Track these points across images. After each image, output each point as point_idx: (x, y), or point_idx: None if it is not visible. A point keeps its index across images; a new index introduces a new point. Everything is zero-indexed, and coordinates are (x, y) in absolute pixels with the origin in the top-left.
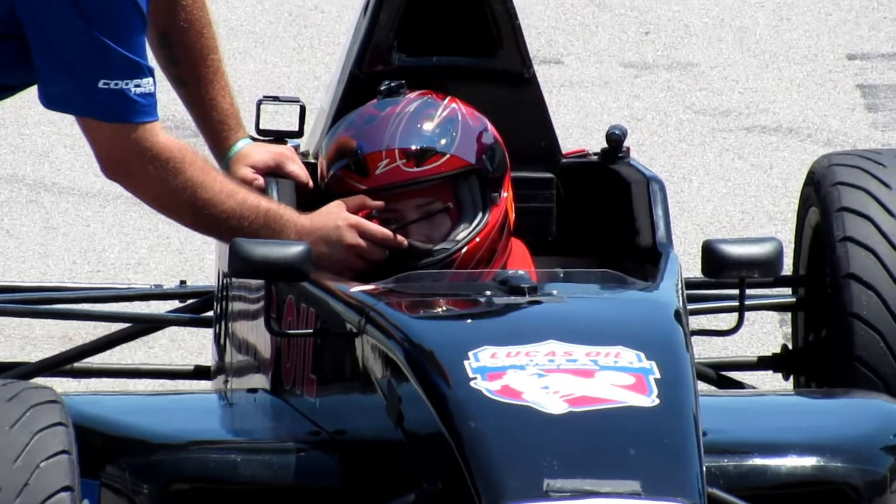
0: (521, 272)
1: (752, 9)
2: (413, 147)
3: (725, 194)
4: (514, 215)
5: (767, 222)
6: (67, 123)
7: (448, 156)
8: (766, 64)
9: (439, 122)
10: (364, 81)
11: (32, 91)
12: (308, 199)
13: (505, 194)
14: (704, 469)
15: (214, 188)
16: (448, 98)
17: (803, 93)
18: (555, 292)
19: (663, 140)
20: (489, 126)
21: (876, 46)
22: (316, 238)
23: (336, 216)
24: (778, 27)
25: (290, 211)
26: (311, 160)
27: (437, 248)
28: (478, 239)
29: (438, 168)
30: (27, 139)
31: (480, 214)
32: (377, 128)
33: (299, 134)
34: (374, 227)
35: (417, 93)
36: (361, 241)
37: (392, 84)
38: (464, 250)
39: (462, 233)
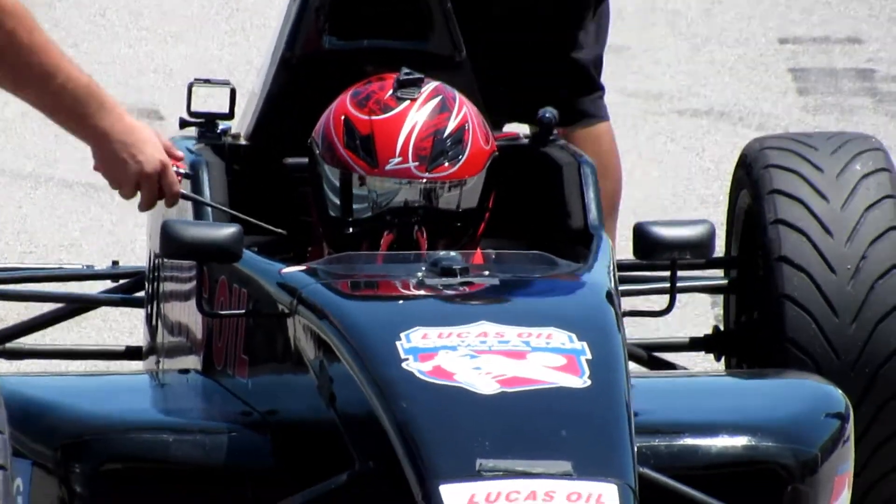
0: (452, 253)
1: None
2: (426, 153)
3: (657, 177)
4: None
5: (699, 205)
6: None
7: (458, 166)
8: (697, 47)
9: (453, 131)
10: (296, 65)
11: None
12: (239, 179)
13: (489, 207)
14: (636, 449)
15: (43, 44)
16: (458, 98)
17: (735, 76)
18: (486, 273)
19: None
20: (490, 135)
21: (808, 30)
22: (122, 142)
23: (154, 144)
24: (710, 10)
25: (111, 99)
26: (243, 142)
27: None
28: (470, 247)
29: (447, 176)
30: None
31: (474, 223)
32: (393, 122)
33: (230, 116)
34: (173, 179)
35: (432, 87)
36: (154, 180)
37: (412, 75)
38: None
39: (456, 239)
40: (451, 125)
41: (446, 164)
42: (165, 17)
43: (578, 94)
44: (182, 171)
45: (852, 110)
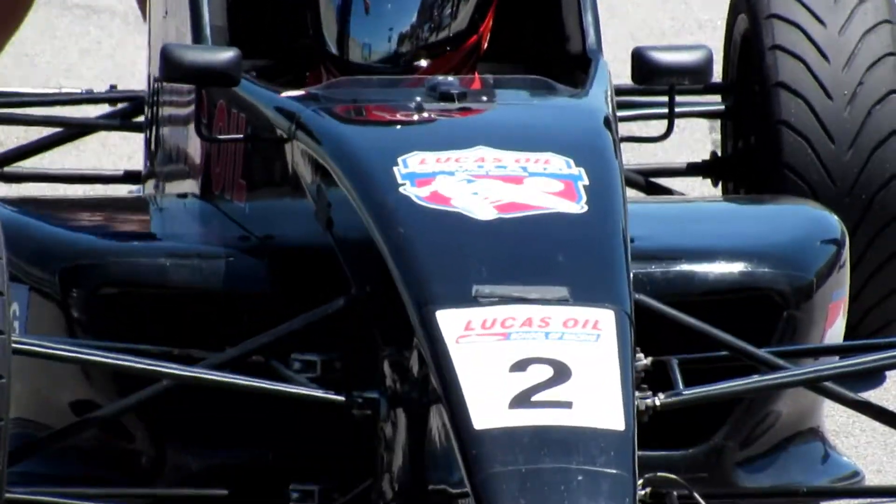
0: (450, 78)
1: None
2: None
3: (655, 1)
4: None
5: (697, 30)
6: None
7: None
8: None
9: None
10: None
11: None
12: (239, 0)
13: (488, 22)
14: (632, 275)
15: None
16: None
17: None
18: (484, 98)
19: None
20: None
21: None
22: None
23: None
24: None
25: None
26: None
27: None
28: (468, 72)
29: None
30: None
31: (464, 44)
32: None
33: None
34: None
35: None
36: None
37: None
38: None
39: (448, 48)
40: None
41: None
42: None
43: None
44: None
45: None
